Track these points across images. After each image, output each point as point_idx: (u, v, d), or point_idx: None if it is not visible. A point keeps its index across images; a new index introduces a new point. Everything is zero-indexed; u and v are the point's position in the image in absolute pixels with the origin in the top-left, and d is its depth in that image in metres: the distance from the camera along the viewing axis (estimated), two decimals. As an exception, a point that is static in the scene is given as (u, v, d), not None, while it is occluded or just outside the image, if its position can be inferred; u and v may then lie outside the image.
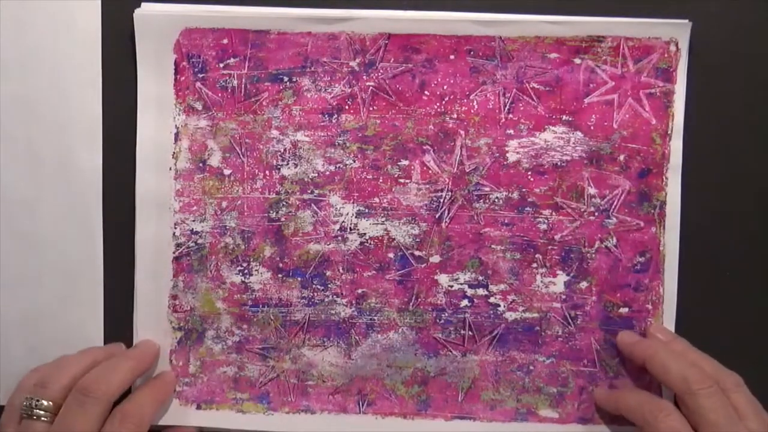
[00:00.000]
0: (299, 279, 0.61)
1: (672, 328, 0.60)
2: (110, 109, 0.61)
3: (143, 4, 0.60)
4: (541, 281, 0.61)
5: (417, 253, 0.60)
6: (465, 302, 0.61)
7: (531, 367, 0.61)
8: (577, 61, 0.60)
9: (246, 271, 0.60)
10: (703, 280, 0.61)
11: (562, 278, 0.61)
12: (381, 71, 0.60)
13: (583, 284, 0.60)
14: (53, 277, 0.61)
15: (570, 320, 0.60)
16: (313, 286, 0.61)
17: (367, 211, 0.60)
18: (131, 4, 0.60)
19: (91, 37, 0.60)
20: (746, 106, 0.61)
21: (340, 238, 0.60)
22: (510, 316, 0.61)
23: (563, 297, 0.60)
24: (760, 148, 0.61)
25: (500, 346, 0.61)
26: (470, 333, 0.61)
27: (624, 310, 0.60)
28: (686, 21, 0.59)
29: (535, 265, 0.61)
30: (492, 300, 0.61)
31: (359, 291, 0.61)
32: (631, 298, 0.60)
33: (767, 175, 0.61)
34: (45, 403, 0.54)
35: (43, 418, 0.54)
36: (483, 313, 0.60)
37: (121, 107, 0.60)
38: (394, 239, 0.60)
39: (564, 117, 0.60)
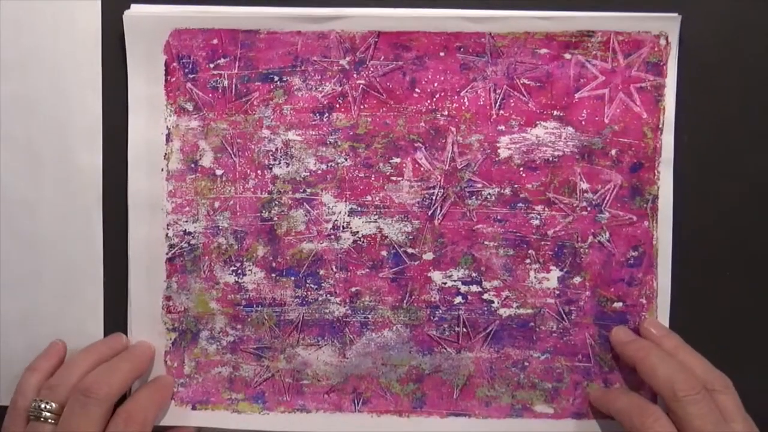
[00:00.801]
0: (293, 278, 0.61)
1: (666, 322, 0.61)
2: (110, 109, 0.61)
3: (133, 6, 0.60)
4: (535, 277, 0.61)
5: (410, 250, 0.60)
6: (459, 299, 0.61)
7: (526, 363, 0.61)
8: (567, 56, 0.60)
9: (239, 271, 0.61)
10: (697, 274, 0.61)
11: (555, 273, 0.61)
12: (371, 69, 0.60)
13: (577, 279, 0.60)
14: (53, 277, 0.61)
15: (564, 316, 0.60)
16: (307, 285, 0.61)
17: (359, 209, 0.60)
18: (131, 4, 0.60)
19: (91, 37, 0.60)
20: (737, 99, 0.61)
21: (333, 236, 0.60)
22: (504, 312, 0.61)
23: (557, 292, 0.60)
24: (752, 141, 0.61)
25: (495, 342, 0.61)
26: (464, 330, 0.61)
27: (618, 305, 0.60)
28: (676, 15, 0.59)
29: (528, 260, 0.61)
30: (486, 296, 0.61)
31: (353, 289, 0.61)
32: (625, 292, 0.60)
33: (759, 168, 0.61)
34: (53, 405, 0.55)
35: (50, 420, 0.54)
36: (477, 309, 0.61)
37: (121, 107, 0.60)
38: (386, 237, 0.60)
39: (555, 112, 0.60)
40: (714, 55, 0.61)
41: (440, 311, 0.61)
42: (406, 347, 0.61)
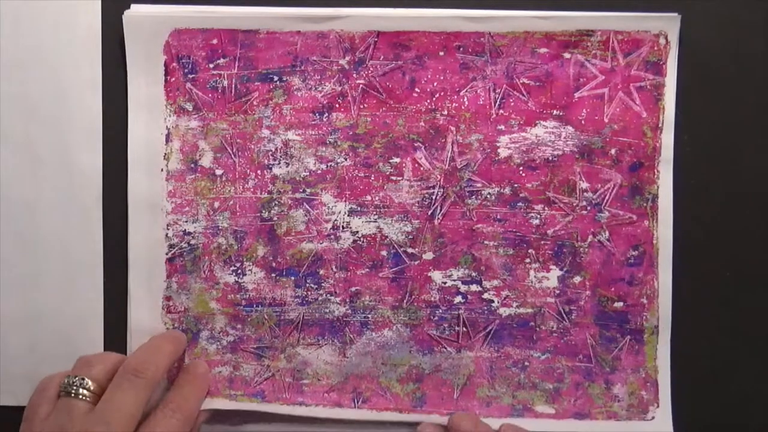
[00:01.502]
0: (293, 278, 0.60)
1: (667, 322, 0.60)
2: (110, 109, 0.61)
3: (132, 6, 0.60)
4: (535, 276, 0.60)
5: (410, 250, 0.60)
6: (459, 298, 0.61)
7: (526, 363, 0.61)
8: (567, 55, 0.60)
9: (239, 271, 0.60)
10: (698, 274, 0.61)
11: (555, 273, 0.60)
12: (371, 69, 0.60)
13: (577, 279, 0.60)
14: (53, 277, 0.61)
15: (564, 315, 0.60)
16: (307, 285, 0.60)
17: (359, 209, 0.60)
18: (131, 4, 0.60)
19: (91, 37, 0.60)
20: (737, 98, 0.61)
21: (332, 236, 0.60)
22: (504, 311, 0.60)
23: (557, 292, 0.60)
24: (751, 140, 0.61)
25: (495, 342, 0.61)
26: (464, 329, 0.61)
27: (619, 305, 0.60)
28: (675, 14, 0.59)
29: (528, 260, 0.60)
30: (485, 296, 0.60)
31: (353, 289, 0.61)
32: (626, 292, 0.60)
33: (759, 167, 0.61)
34: (89, 382, 0.53)
35: (86, 398, 0.53)
36: (477, 309, 0.60)
37: (121, 107, 0.60)
38: (386, 237, 0.60)
39: (555, 112, 0.60)
40: (714, 55, 0.61)
41: (440, 311, 0.60)
42: (406, 347, 0.61)
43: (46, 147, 0.60)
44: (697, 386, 0.61)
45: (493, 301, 0.60)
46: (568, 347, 0.60)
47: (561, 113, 0.60)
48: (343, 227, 0.60)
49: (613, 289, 0.60)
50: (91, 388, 0.53)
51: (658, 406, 0.60)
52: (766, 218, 0.61)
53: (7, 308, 0.61)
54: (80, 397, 0.53)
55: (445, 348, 0.61)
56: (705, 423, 0.61)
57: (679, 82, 0.60)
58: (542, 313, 0.60)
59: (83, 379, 0.53)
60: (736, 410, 0.62)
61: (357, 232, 0.60)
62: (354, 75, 0.60)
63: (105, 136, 0.61)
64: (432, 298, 0.61)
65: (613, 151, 0.60)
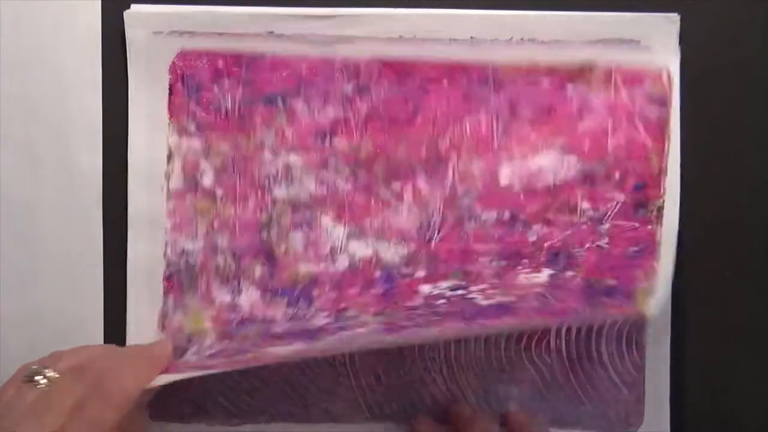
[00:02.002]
0: (286, 298, 0.61)
1: (667, 318, 0.61)
2: (110, 109, 0.61)
3: (133, 6, 0.60)
4: (525, 278, 0.60)
5: (404, 270, 0.61)
6: (441, 301, 0.60)
7: (501, 326, 0.60)
8: (570, 87, 0.59)
9: (235, 291, 0.61)
10: (698, 274, 0.62)
11: (546, 272, 0.60)
12: (374, 95, 0.60)
13: (569, 273, 0.60)
14: (53, 277, 0.61)
15: (549, 295, 0.59)
16: (299, 305, 0.61)
17: (358, 232, 0.61)
18: (131, 4, 0.60)
19: (91, 37, 0.60)
20: (736, 98, 0.61)
21: (330, 259, 0.61)
22: (485, 302, 0.59)
23: (545, 284, 0.60)
24: (752, 140, 0.61)
25: (468, 318, 0.59)
26: (438, 318, 0.59)
27: (612, 282, 0.59)
28: (677, 48, 0.59)
29: (519, 267, 0.60)
30: (469, 296, 0.60)
31: (342, 305, 0.61)
32: (620, 273, 0.59)
33: (759, 167, 0.62)
34: (50, 373, 0.52)
35: (42, 388, 0.52)
36: (456, 304, 0.60)
37: (121, 107, 0.60)
38: (382, 260, 0.61)
39: (557, 142, 0.60)
40: (713, 55, 0.61)
41: (419, 311, 0.60)
42: (375, 334, 0.59)
43: (46, 147, 0.60)
44: (697, 386, 0.62)
45: (475, 298, 0.60)
46: (552, 313, 0.59)
47: (563, 143, 0.60)
48: (340, 250, 0.61)
49: (607, 274, 0.60)
50: (53, 379, 0.52)
51: None
52: (766, 218, 0.62)
53: (7, 308, 0.62)
54: (37, 386, 0.51)
55: (414, 328, 0.59)
56: (705, 423, 0.62)
57: (685, 98, 0.60)
58: (525, 297, 0.59)
59: (45, 368, 0.52)
60: (736, 410, 0.62)
61: (354, 255, 0.61)
62: (358, 100, 0.60)
63: (105, 136, 0.61)
64: (415, 304, 0.60)
65: (617, 174, 0.60)
